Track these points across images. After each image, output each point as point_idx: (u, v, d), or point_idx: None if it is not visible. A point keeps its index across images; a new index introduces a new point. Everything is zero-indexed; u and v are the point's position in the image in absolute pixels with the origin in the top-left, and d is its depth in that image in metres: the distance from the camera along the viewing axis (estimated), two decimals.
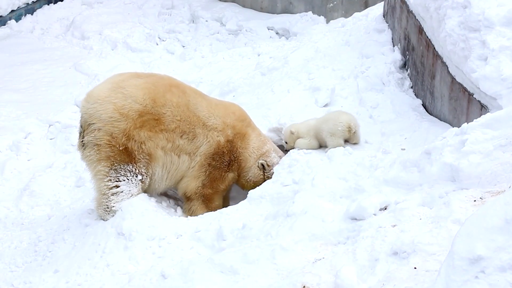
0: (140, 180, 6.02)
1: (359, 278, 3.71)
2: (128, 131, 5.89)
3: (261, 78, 8.71)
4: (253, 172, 6.50)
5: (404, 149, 5.72)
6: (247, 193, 5.93)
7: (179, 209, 6.42)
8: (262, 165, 6.47)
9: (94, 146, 5.90)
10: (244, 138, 6.44)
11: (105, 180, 5.96)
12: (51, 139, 9.04)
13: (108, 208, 5.96)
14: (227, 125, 6.34)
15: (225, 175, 6.39)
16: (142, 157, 5.98)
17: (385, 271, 3.65)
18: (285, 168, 6.12)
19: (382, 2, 8.88)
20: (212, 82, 9.92)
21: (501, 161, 4.03)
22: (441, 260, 3.31)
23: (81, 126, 6.03)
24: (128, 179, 5.97)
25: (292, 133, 6.50)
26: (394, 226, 4.05)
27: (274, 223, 5.02)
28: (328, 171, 5.66)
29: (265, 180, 6.35)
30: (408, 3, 7.29)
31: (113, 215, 5.91)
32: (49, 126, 9.20)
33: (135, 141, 5.92)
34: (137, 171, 5.99)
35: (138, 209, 5.81)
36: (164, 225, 5.66)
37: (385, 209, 4.41)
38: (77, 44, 13.15)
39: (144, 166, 6.01)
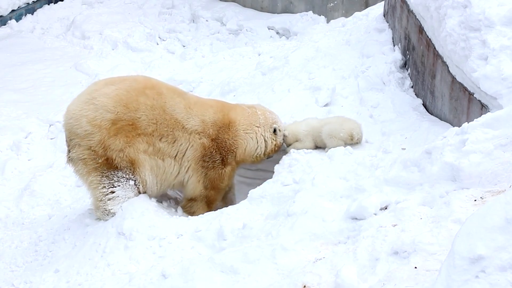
0: (134, 184, 6.00)
1: (359, 277, 3.71)
2: (103, 142, 5.84)
3: (262, 78, 8.71)
4: (261, 147, 6.44)
5: (405, 149, 5.72)
6: (248, 193, 5.92)
7: (179, 208, 6.42)
8: (275, 129, 6.45)
9: (79, 161, 5.92)
10: (230, 127, 6.31)
11: (100, 187, 5.96)
12: (51, 138, 9.05)
13: (106, 211, 5.98)
14: (207, 123, 6.19)
15: (222, 172, 6.34)
16: (124, 164, 5.94)
17: (386, 271, 3.65)
18: (285, 168, 6.12)
19: (383, 2, 8.88)
20: (213, 81, 9.92)
21: (502, 161, 4.03)
22: (442, 259, 3.31)
23: (66, 141, 6.06)
24: (122, 185, 5.97)
25: (285, 136, 6.53)
26: (395, 225, 4.05)
27: (274, 222, 5.02)
28: (329, 170, 5.66)
29: (276, 146, 6.44)
30: (408, 2, 7.29)
31: (112, 216, 5.91)
32: (50, 126, 9.21)
33: (113, 149, 5.87)
34: (127, 176, 5.97)
35: (139, 208, 5.81)
36: (165, 224, 5.66)
37: (386, 208, 4.41)
38: (77, 44, 13.15)
39: (131, 172, 5.98)
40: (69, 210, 6.85)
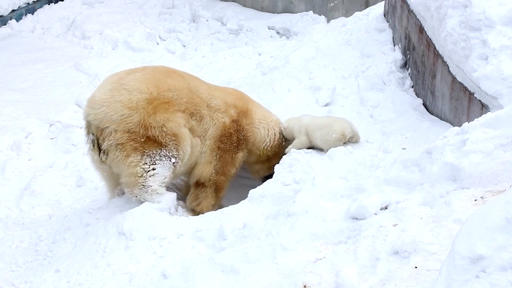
0: (173, 163, 5.99)
1: (360, 277, 3.71)
2: (143, 121, 5.84)
3: (262, 78, 8.72)
4: (270, 139, 6.63)
5: (405, 149, 5.72)
6: (248, 193, 5.92)
7: (180, 208, 6.41)
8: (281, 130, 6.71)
9: (117, 146, 5.85)
10: (247, 114, 6.51)
11: (141, 164, 5.89)
12: (52, 138, 9.05)
13: (145, 187, 5.91)
14: (229, 105, 6.39)
15: (235, 156, 6.44)
16: (168, 139, 5.92)
17: (386, 271, 3.65)
18: (285, 168, 6.12)
19: (383, 2, 8.89)
20: (213, 81, 9.88)
21: (502, 161, 4.03)
22: (442, 259, 3.31)
23: (93, 134, 5.92)
24: (163, 163, 5.94)
25: (284, 128, 6.63)
26: (395, 225, 4.05)
27: (275, 222, 5.02)
28: (329, 170, 5.65)
29: (280, 143, 6.64)
30: (408, 2, 7.29)
31: (152, 193, 5.89)
32: (50, 125, 9.21)
33: (154, 127, 5.87)
34: (170, 154, 5.96)
35: (139, 208, 5.81)
36: (165, 224, 5.65)
37: (386, 208, 4.40)
38: (77, 44, 13.16)
39: (174, 148, 5.97)
40: (70, 210, 6.85)
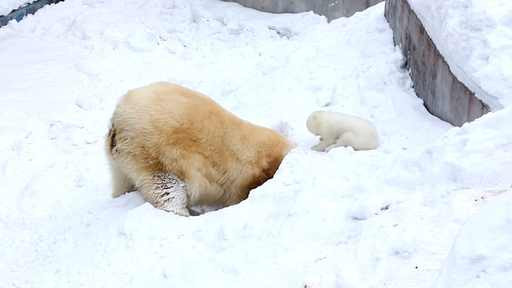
0: (183, 187, 5.91)
1: (360, 277, 3.72)
2: (159, 146, 5.74)
3: (262, 78, 8.72)
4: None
5: (406, 149, 5.72)
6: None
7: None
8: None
9: (128, 154, 5.77)
10: (277, 163, 6.24)
11: (153, 188, 5.85)
12: (52, 138, 9.05)
13: (166, 210, 5.86)
14: (262, 154, 6.22)
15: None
16: (174, 173, 5.84)
17: (387, 271, 3.65)
18: (286, 168, 6.11)
19: (383, 2, 8.89)
20: (214, 81, 9.92)
21: (503, 160, 4.03)
22: (443, 259, 3.31)
23: (113, 125, 5.85)
24: (175, 186, 5.87)
25: (320, 124, 6.21)
26: (396, 225, 4.05)
27: (275, 222, 5.02)
28: (330, 170, 5.65)
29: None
30: (409, 2, 7.30)
31: (182, 215, 5.85)
32: (51, 125, 9.21)
33: (167, 157, 5.77)
34: (178, 180, 5.88)
35: (140, 208, 5.81)
36: (166, 224, 5.65)
37: (387, 208, 4.41)
38: (78, 44, 13.15)
39: (180, 179, 5.88)
40: (70, 210, 6.84)
